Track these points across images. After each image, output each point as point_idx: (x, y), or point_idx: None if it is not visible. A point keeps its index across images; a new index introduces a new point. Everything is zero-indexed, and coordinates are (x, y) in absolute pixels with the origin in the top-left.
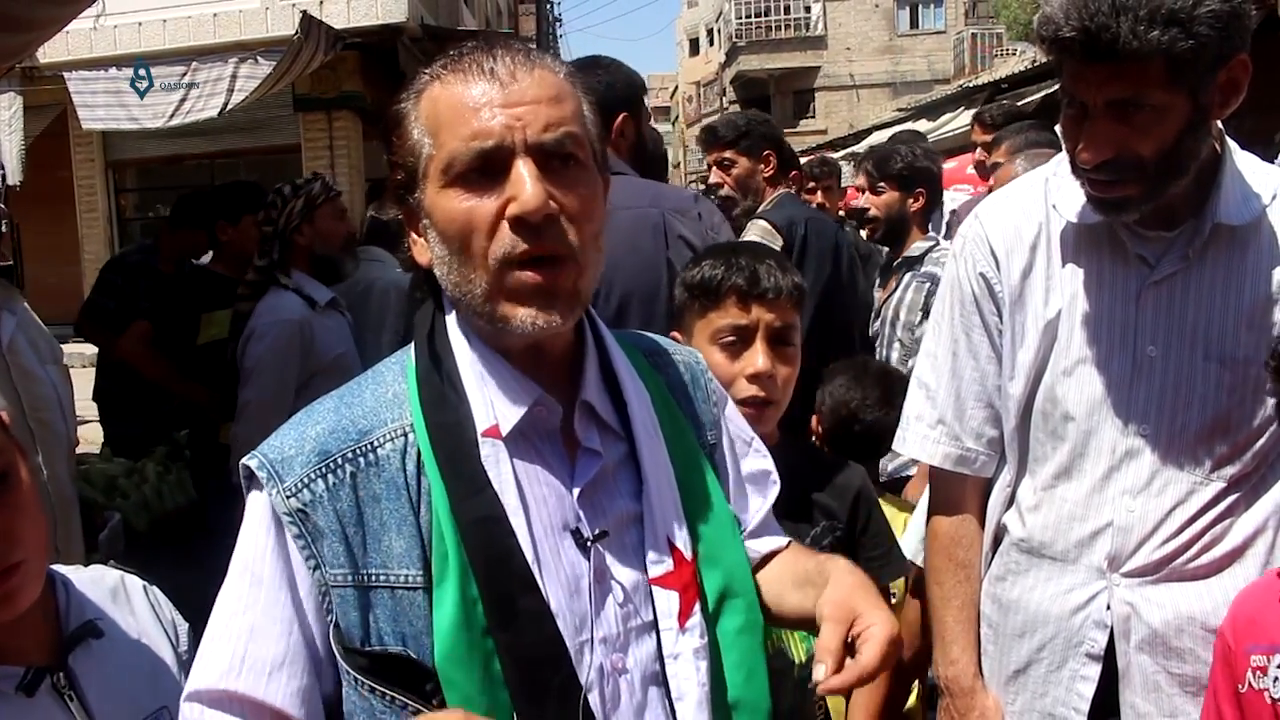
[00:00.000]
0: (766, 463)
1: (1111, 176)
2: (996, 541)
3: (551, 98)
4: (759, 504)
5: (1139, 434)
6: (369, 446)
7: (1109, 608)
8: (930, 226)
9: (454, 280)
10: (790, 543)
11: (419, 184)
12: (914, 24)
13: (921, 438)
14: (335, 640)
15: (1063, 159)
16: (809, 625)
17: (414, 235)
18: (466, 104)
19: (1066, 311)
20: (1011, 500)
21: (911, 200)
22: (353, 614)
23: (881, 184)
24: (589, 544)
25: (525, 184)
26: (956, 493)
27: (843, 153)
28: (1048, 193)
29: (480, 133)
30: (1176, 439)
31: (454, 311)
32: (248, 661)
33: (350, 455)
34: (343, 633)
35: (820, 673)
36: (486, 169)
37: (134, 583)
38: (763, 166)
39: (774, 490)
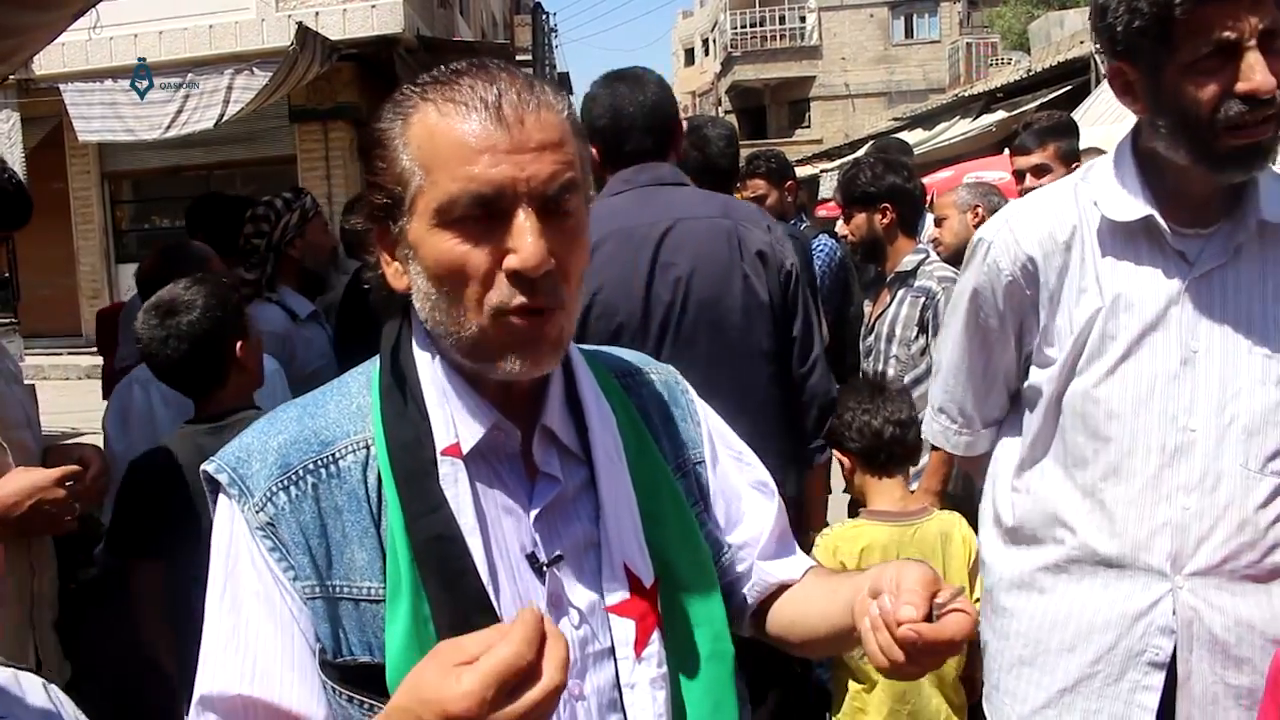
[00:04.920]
0: (762, 473)
1: (1272, 111)
2: (1011, 542)
3: (555, 143)
4: (761, 518)
5: (1188, 429)
6: (330, 458)
7: (1174, 612)
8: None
9: (436, 319)
10: (812, 567)
11: (403, 214)
12: (909, 34)
13: (945, 428)
14: (317, 651)
15: (1093, 166)
16: (835, 641)
17: (386, 258)
18: (468, 144)
19: (1109, 310)
20: (1043, 508)
21: (879, 217)
22: (323, 626)
23: (849, 208)
24: (544, 568)
25: (527, 239)
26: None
27: (838, 162)
28: (1079, 195)
29: (481, 179)
30: (1226, 433)
31: (423, 332)
32: (260, 665)
33: (311, 466)
34: (321, 644)
35: (908, 613)
36: (484, 216)
37: (31, 681)
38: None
39: (775, 502)
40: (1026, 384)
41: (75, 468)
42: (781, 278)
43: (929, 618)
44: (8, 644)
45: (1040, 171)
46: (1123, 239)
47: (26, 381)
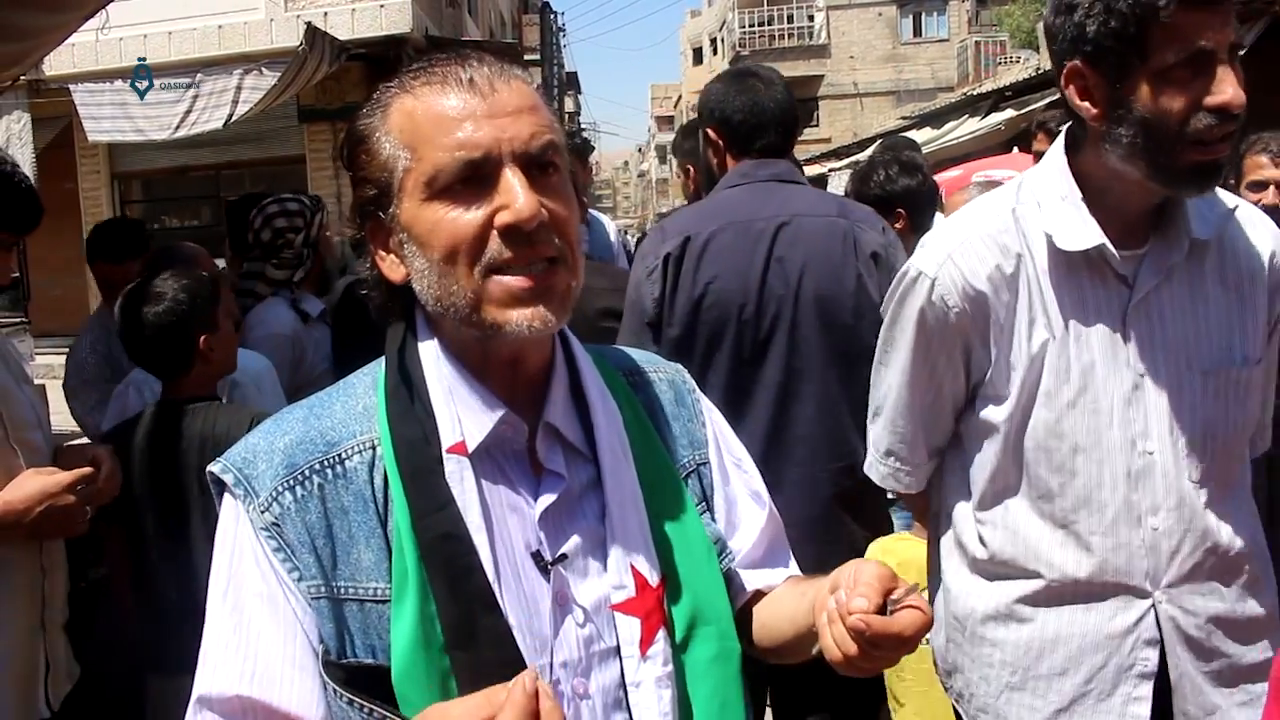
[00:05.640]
0: (757, 482)
1: (1233, 128)
2: (982, 574)
3: (531, 107)
4: (752, 527)
5: (1145, 452)
6: (336, 459)
7: (1158, 624)
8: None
9: (436, 294)
10: (789, 577)
11: (392, 199)
12: (917, 32)
13: (895, 470)
14: (320, 652)
15: (1021, 185)
16: (800, 643)
17: (381, 253)
18: (448, 115)
19: (1060, 343)
20: (1014, 541)
21: (891, 221)
22: (328, 626)
23: None
24: (549, 567)
25: (517, 192)
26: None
27: (846, 161)
28: (1021, 222)
29: (466, 144)
30: (1175, 451)
31: (426, 326)
32: (261, 666)
33: (317, 467)
34: (324, 644)
35: (859, 604)
36: (472, 180)
37: None
38: (686, 180)
39: (763, 514)
40: (977, 418)
41: (87, 470)
42: (890, 281)
43: (882, 611)
44: (19, 647)
45: None
46: (1066, 267)
47: (36, 381)
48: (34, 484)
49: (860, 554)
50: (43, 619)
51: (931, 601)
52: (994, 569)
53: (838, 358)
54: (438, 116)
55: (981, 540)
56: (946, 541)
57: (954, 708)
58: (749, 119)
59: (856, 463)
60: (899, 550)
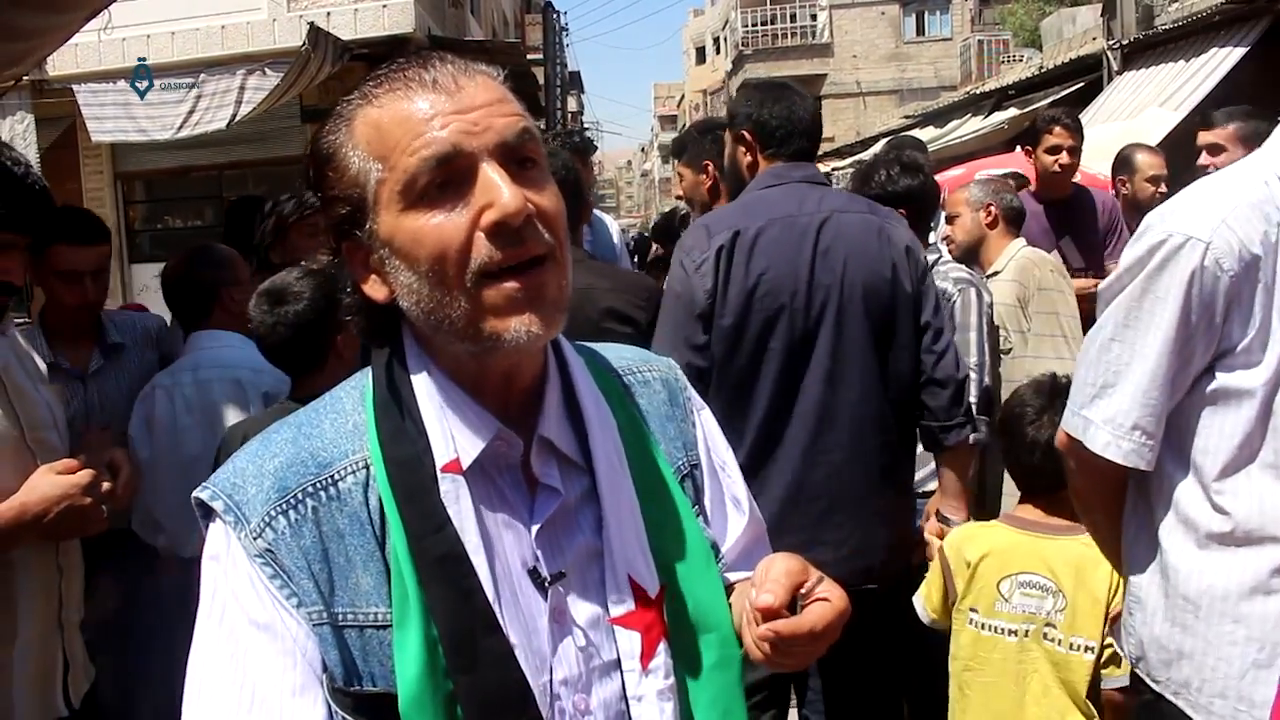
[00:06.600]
0: (738, 488)
1: None
2: (1223, 546)
3: (499, 99)
4: (729, 535)
5: None
6: (329, 480)
7: None
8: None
9: (427, 308)
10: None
11: (369, 215)
12: (920, 31)
13: (1140, 445)
14: (325, 679)
15: (1259, 161)
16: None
17: (361, 273)
18: (416, 117)
19: None
20: (1263, 509)
21: None
22: (331, 653)
23: None
24: (546, 584)
25: (500, 187)
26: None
27: (849, 160)
28: (1276, 192)
29: (439, 143)
30: None
31: (414, 344)
32: (259, 695)
33: (310, 489)
34: (329, 672)
35: (765, 600)
36: (450, 181)
37: None
38: (703, 177)
39: (743, 520)
40: (1217, 385)
41: (97, 473)
42: (919, 273)
43: (792, 606)
44: (37, 646)
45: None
46: None
47: None
48: (50, 485)
49: (897, 527)
50: (60, 619)
51: (1126, 584)
52: (1238, 540)
53: (878, 343)
54: (405, 121)
55: (1221, 511)
56: (1167, 522)
57: (1163, 705)
58: (784, 125)
59: (892, 440)
60: (980, 539)
